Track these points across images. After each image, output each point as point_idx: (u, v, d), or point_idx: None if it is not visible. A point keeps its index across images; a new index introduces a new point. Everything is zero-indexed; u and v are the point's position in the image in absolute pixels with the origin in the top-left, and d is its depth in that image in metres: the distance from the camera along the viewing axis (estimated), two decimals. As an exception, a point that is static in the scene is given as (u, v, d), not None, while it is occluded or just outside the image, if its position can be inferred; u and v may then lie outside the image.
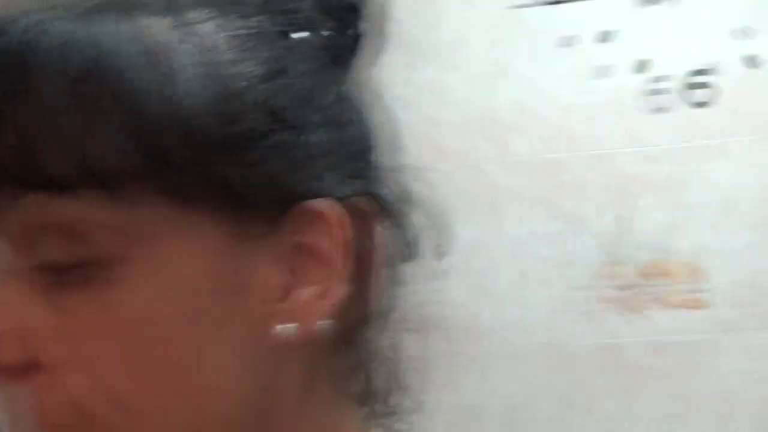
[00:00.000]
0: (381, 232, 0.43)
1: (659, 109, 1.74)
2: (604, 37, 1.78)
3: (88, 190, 0.36)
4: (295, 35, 0.42)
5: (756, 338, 1.70)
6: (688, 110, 1.74)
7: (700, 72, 1.73)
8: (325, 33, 0.44)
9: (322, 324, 0.41)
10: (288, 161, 0.40)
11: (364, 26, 0.46)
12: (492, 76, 1.87)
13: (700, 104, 1.73)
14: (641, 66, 1.76)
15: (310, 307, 0.40)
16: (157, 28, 0.38)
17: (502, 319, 1.83)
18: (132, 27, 0.38)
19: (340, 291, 0.40)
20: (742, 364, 1.70)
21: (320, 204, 0.40)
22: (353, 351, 0.46)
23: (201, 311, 0.38)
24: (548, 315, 1.83)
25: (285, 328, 0.39)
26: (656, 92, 1.74)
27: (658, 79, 1.75)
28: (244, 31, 0.40)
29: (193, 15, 0.39)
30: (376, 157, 0.45)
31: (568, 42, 1.80)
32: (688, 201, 1.74)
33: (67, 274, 0.37)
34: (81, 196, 0.36)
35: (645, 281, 1.77)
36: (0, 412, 0.39)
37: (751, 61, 1.70)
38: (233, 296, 0.39)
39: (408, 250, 0.46)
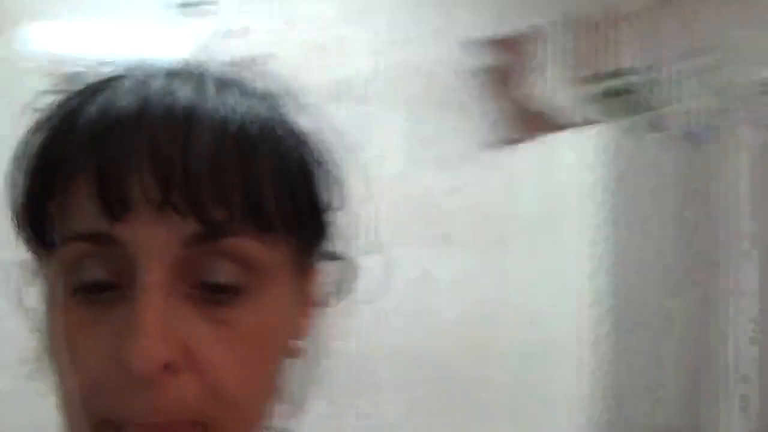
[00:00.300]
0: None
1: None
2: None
3: (281, 232, 0.48)
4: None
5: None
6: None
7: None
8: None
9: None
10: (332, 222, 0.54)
11: None
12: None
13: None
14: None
15: (310, 326, 0.55)
16: (285, 115, 0.51)
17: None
18: (280, 110, 0.51)
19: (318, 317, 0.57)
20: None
21: (322, 263, 0.55)
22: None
23: (289, 323, 0.52)
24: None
25: (301, 339, 0.54)
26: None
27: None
28: (311, 122, 0.53)
29: (285, 107, 0.52)
30: None
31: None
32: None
33: (221, 293, 0.46)
34: (271, 237, 0.47)
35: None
36: (136, 405, 0.45)
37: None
38: (297, 316, 0.53)
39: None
